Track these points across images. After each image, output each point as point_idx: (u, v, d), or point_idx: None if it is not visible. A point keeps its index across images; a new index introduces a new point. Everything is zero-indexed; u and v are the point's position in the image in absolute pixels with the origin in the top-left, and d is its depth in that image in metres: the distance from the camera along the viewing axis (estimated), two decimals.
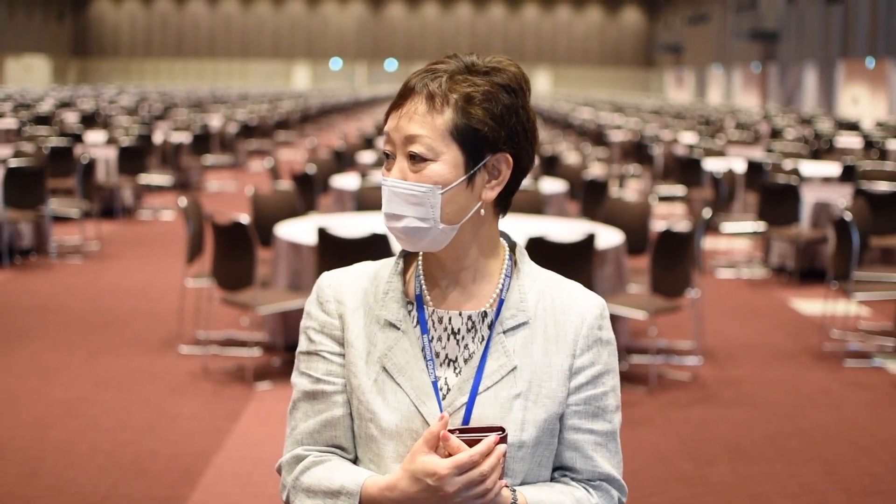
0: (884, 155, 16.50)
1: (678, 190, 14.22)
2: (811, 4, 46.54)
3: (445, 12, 67.97)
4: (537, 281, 1.96)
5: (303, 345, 1.98)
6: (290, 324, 7.62)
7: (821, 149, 17.05)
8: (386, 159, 1.90)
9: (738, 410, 6.73)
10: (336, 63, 67.81)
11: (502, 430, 1.82)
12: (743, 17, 55.00)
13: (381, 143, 14.97)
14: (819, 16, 45.77)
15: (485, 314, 1.92)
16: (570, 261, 6.20)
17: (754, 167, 12.70)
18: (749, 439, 6.20)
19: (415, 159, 1.85)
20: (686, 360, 7.76)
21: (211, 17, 67.03)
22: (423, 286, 1.94)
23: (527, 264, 1.98)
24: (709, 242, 11.95)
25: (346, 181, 10.97)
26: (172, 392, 6.80)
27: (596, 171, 14.10)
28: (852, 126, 24.31)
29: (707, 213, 8.07)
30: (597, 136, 22.17)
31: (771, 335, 8.71)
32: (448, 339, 1.91)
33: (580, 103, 42.69)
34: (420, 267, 1.96)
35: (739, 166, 13.19)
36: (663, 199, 15.08)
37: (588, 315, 1.95)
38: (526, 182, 2.14)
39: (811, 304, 9.80)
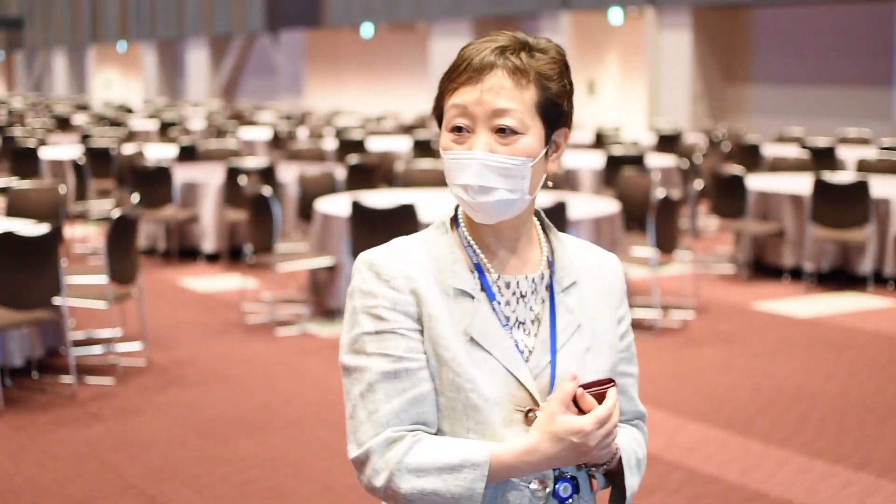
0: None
1: None
2: None
3: None
4: (563, 238, 2.04)
5: (368, 325, 1.89)
6: None
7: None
8: (458, 133, 1.88)
9: (205, 389, 6.75)
10: None
11: (612, 381, 1.88)
12: None
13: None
14: (66, 2, 45.59)
15: (542, 276, 1.98)
16: None
17: None
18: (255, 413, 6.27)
19: (504, 133, 1.86)
20: None
21: None
22: (480, 254, 1.94)
23: (552, 228, 2.04)
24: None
25: None
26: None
27: None
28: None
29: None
30: None
31: (197, 316, 8.77)
32: (517, 303, 1.95)
33: None
34: (468, 236, 1.95)
35: None
36: None
37: (616, 269, 2.09)
38: None
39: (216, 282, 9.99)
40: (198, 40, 35.92)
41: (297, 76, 32.78)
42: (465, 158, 1.86)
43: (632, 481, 1.99)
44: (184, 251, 11.20)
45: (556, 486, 1.92)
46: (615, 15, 22.01)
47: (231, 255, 11.02)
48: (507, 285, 1.94)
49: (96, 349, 7.50)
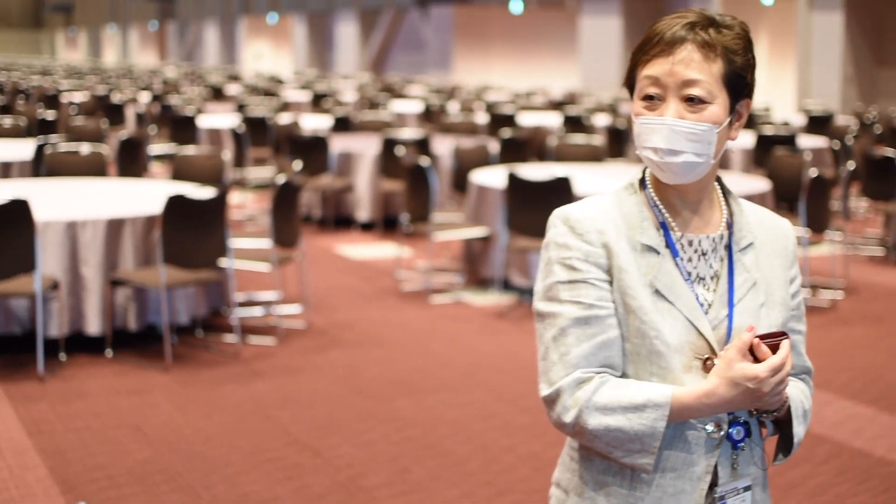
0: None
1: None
2: None
3: None
4: (741, 202, 2.17)
5: (561, 275, 2.04)
6: None
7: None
8: (649, 101, 2.03)
9: (363, 351, 6.96)
10: None
11: (785, 334, 2.00)
12: None
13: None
14: None
15: (722, 236, 2.11)
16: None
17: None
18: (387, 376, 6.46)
19: (693, 101, 2.00)
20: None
21: None
22: (665, 214, 2.09)
23: (732, 192, 2.17)
24: None
25: None
26: None
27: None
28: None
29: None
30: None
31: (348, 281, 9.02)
32: (698, 260, 2.09)
33: None
34: (654, 197, 2.10)
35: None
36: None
37: (790, 232, 2.22)
38: None
39: (358, 250, 10.24)
40: (348, 13, 36.39)
41: (445, 51, 33.00)
42: (657, 124, 2.01)
43: (799, 429, 2.12)
44: (339, 219, 11.48)
45: (730, 430, 2.05)
46: None
47: (385, 224, 11.26)
48: (690, 243, 2.08)
49: (257, 310, 7.79)
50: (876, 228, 11.52)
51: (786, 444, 2.14)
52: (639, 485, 2.04)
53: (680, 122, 1.99)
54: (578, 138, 11.58)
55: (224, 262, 6.79)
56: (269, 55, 45.61)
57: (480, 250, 8.70)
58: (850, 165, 9.83)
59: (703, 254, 2.08)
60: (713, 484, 2.05)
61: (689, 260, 2.08)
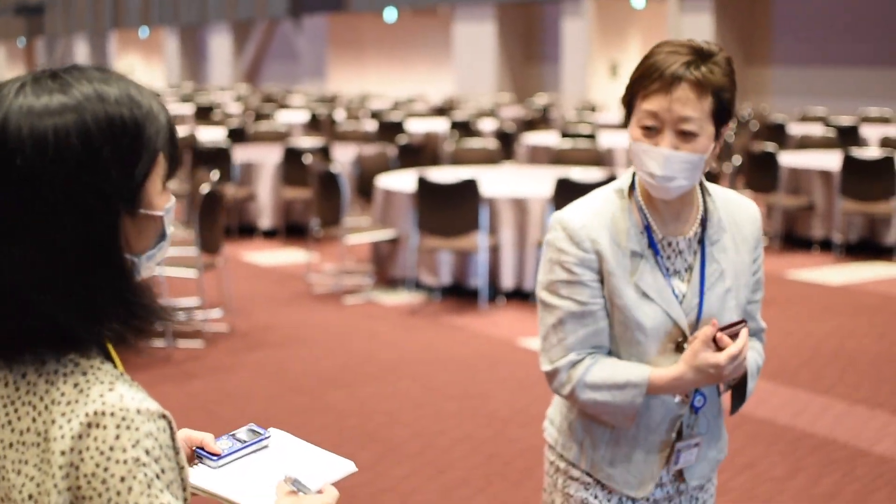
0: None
1: None
2: None
3: None
4: (716, 196, 2.56)
5: (561, 275, 2.47)
6: None
7: None
8: (647, 130, 2.38)
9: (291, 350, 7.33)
10: None
11: (744, 322, 2.46)
12: None
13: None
14: None
15: (696, 233, 2.52)
16: None
17: None
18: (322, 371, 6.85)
19: (686, 135, 2.36)
20: None
21: None
22: (650, 218, 2.49)
23: (707, 185, 2.58)
24: None
25: None
26: None
27: None
28: None
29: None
30: None
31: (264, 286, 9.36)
32: (676, 257, 2.50)
33: None
34: (641, 202, 2.50)
35: None
36: None
37: (756, 216, 2.62)
38: None
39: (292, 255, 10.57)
40: (220, 25, 36.44)
41: (319, 60, 33.30)
42: (655, 153, 2.38)
43: (751, 384, 2.59)
44: (241, 227, 11.79)
45: (693, 399, 2.53)
46: None
47: (287, 231, 11.60)
48: (669, 244, 2.49)
49: (179, 315, 8.07)
50: None
51: (740, 397, 2.61)
52: (617, 431, 2.54)
53: (675, 154, 2.36)
54: (474, 142, 12.08)
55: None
56: (141, 69, 45.32)
57: (388, 252, 9.12)
58: (736, 161, 10.49)
59: (680, 252, 2.50)
60: (679, 437, 2.55)
61: (668, 258, 2.49)
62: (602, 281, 2.47)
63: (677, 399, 2.51)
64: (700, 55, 2.36)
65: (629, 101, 2.44)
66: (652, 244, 2.48)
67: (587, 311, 2.46)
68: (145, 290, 1.53)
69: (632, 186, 2.51)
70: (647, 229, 2.48)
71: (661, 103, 2.35)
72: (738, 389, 2.61)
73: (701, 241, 2.52)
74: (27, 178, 1.41)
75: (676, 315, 2.47)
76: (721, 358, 2.38)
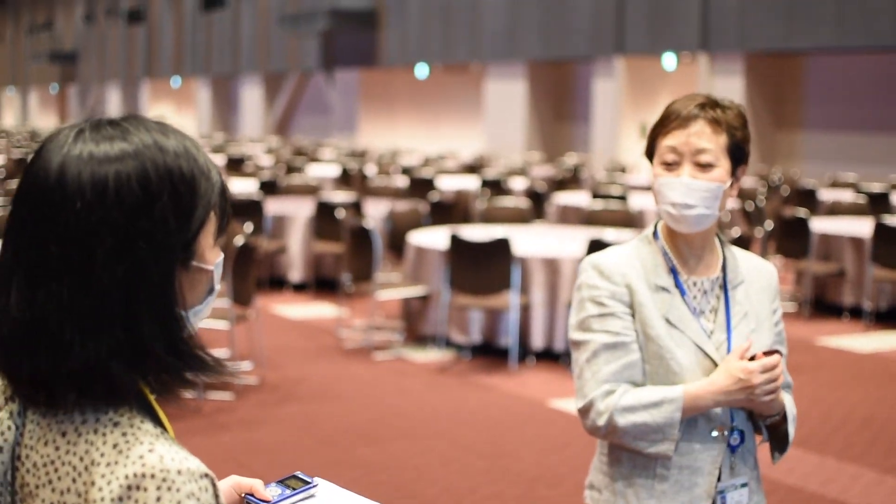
0: None
1: None
2: (112, 25, 47.18)
3: None
4: (734, 251, 2.72)
5: (592, 310, 2.59)
6: None
7: None
8: (668, 165, 2.58)
9: (322, 405, 7.36)
10: None
11: (779, 352, 2.56)
12: (38, 38, 54.33)
13: None
14: (121, 37, 46.49)
15: (718, 277, 2.66)
16: None
17: None
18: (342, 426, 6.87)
19: (703, 166, 2.55)
20: None
21: None
22: (674, 260, 2.62)
23: (726, 241, 2.72)
24: None
25: None
26: None
27: None
28: None
29: None
30: None
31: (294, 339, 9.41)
32: (701, 297, 2.63)
33: None
34: (666, 247, 2.64)
35: None
36: None
37: (773, 272, 2.79)
38: None
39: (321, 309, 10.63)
40: (253, 77, 36.79)
41: (350, 114, 33.56)
42: (675, 182, 2.56)
43: (791, 429, 2.66)
44: (272, 280, 11.86)
45: (729, 438, 2.58)
46: (668, 60, 22.63)
47: (317, 285, 11.67)
48: (695, 284, 2.62)
49: (230, 368, 8.10)
50: (788, 286, 12.23)
51: (780, 445, 2.68)
52: (660, 480, 2.56)
53: (693, 182, 2.54)
54: (505, 201, 12.16)
55: None
56: (173, 119, 45.64)
57: (419, 308, 9.16)
58: (768, 226, 10.51)
59: (705, 292, 2.63)
60: (718, 479, 2.58)
61: (694, 297, 2.61)
62: (633, 315, 2.56)
63: (714, 433, 2.56)
64: (714, 101, 2.59)
65: (651, 145, 2.61)
66: (678, 283, 2.60)
67: (619, 342, 2.54)
68: (197, 342, 1.54)
69: (655, 233, 2.65)
70: (673, 270, 2.61)
71: (680, 137, 2.55)
72: (778, 438, 2.67)
73: (723, 286, 2.64)
74: (85, 222, 1.42)
75: (707, 347, 2.56)
76: (754, 365, 2.49)
